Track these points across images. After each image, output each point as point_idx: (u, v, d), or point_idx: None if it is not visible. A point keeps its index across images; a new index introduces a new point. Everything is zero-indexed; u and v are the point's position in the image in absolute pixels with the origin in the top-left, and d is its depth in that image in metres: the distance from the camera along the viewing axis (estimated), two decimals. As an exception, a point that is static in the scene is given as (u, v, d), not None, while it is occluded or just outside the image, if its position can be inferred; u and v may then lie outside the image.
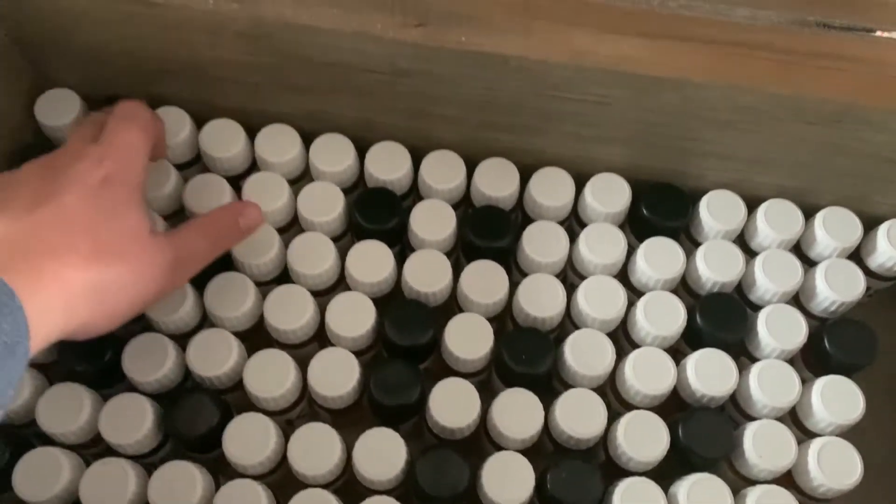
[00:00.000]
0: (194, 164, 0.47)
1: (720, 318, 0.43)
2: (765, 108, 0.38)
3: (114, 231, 0.35)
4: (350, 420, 0.42)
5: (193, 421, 0.39)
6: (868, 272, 0.45)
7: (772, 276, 0.43)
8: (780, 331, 0.42)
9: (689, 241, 0.46)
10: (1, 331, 0.28)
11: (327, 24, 0.36)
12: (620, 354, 0.43)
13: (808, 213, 0.45)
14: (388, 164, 0.45)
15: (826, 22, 0.34)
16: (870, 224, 0.45)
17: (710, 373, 0.41)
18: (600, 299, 0.43)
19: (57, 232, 0.33)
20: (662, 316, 0.42)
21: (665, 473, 0.40)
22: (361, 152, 0.46)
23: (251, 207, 0.41)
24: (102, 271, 0.33)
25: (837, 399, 0.41)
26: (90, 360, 0.41)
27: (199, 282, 0.42)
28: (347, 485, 0.40)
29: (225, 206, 0.42)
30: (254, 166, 0.47)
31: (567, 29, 0.35)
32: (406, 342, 0.41)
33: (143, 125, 0.38)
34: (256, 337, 0.43)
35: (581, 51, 0.35)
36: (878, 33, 0.34)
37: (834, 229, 0.44)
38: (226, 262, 0.43)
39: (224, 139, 0.45)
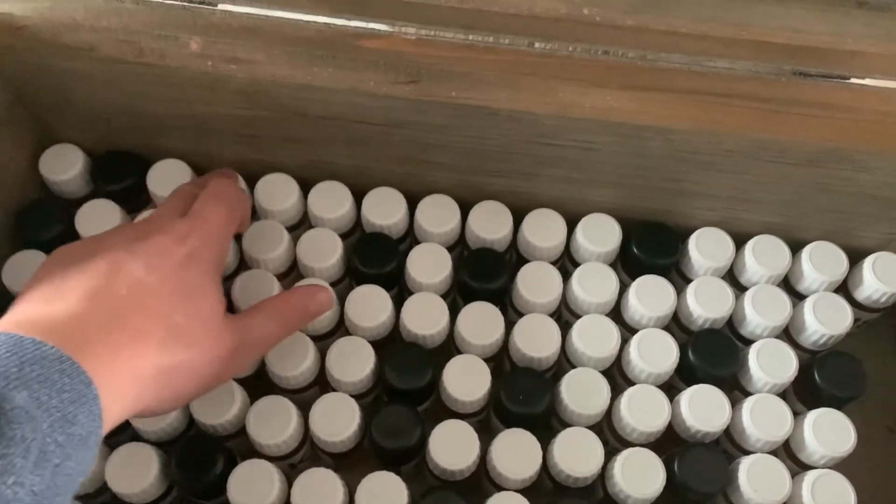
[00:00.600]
0: (195, 214, 0.48)
1: (712, 354, 0.43)
2: (747, 151, 0.39)
3: (190, 315, 0.34)
4: (352, 463, 0.43)
5: (198, 468, 0.40)
6: (856, 304, 0.46)
7: (761, 311, 0.44)
8: (770, 365, 0.43)
9: (681, 277, 0.47)
10: (77, 423, 0.28)
11: (322, 83, 0.38)
12: (616, 392, 0.44)
13: (795, 248, 0.46)
14: (385, 210, 0.47)
15: (802, 71, 0.36)
16: (856, 257, 0.46)
17: (703, 409, 0.42)
18: (594, 338, 0.44)
19: (135, 315, 0.33)
20: (655, 353, 0.43)
21: (663, 510, 0.41)
22: (358, 198, 0.47)
23: (322, 293, 0.41)
24: (174, 356, 0.33)
25: (829, 431, 0.42)
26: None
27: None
28: (351, 528, 0.41)
29: (296, 290, 0.42)
30: (254, 215, 0.48)
31: (553, 83, 0.36)
32: (405, 385, 0.42)
33: (231, 204, 0.39)
34: (258, 383, 0.44)
35: (567, 103, 0.37)
36: (853, 80, 0.36)
37: (820, 263, 0.45)
38: (227, 308, 0.44)
39: (224, 189, 0.46)
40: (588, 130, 0.40)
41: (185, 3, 0.37)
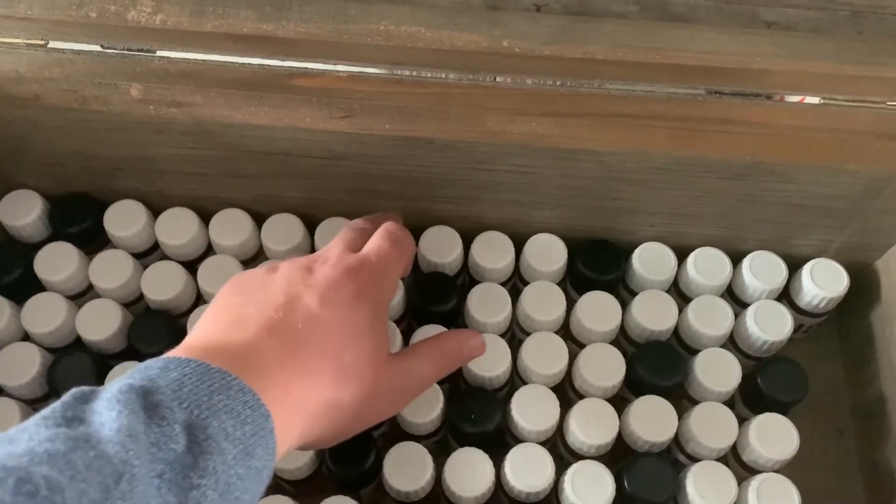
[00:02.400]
0: (152, 252, 0.49)
1: (657, 365, 0.45)
2: (676, 168, 0.41)
3: (358, 352, 0.34)
4: (311, 489, 0.44)
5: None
6: (798, 310, 0.48)
7: (704, 322, 0.45)
8: (715, 374, 0.44)
9: (627, 292, 0.49)
10: (255, 456, 0.28)
11: (260, 121, 0.39)
12: (569, 406, 0.45)
13: (737, 259, 0.47)
14: (337, 239, 0.48)
15: (717, 90, 0.37)
16: (796, 265, 0.47)
17: (650, 420, 0.43)
18: (544, 355, 0.45)
19: (309, 350, 0.33)
20: (603, 368, 0.44)
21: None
22: (312, 229, 0.48)
23: (476, 338, 0.41)
24: (341, 393, 0.34)
25: (773, 436, 0.43)
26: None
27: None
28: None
29: (452, 334, 0.42)
30: (210, 250, 0.49)
31: (481, 113, 0.38)
32: (360, 410, 0.43)
33: (402, 246, 0.39)
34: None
35: (496, 131, 0.38)
36: (766, 98, 0.37)
37: (760, 273, 0.47)
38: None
39: (179, 227, 0.48)
40: (522, 155, 0.41)
41: (125, 52, 0.39)
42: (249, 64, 0.39)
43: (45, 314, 0.45)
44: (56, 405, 0.27)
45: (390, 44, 0.36)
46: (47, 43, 0.39)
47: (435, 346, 0.40)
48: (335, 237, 0.40)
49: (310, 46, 0.37)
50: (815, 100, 0.38)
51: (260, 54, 0.38)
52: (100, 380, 0.43)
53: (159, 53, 0.39)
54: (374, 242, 0.38)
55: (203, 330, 0.34)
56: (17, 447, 0.24)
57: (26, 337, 0.46)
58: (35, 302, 0.46)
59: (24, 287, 0.46)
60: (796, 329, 0.48)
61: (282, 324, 0.33)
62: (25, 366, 0.44)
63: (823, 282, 0.46)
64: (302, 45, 0.37)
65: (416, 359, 0.39)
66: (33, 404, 0.45)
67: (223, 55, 0.38)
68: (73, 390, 0.28)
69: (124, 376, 0.29)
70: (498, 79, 0.38)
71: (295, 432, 0.32)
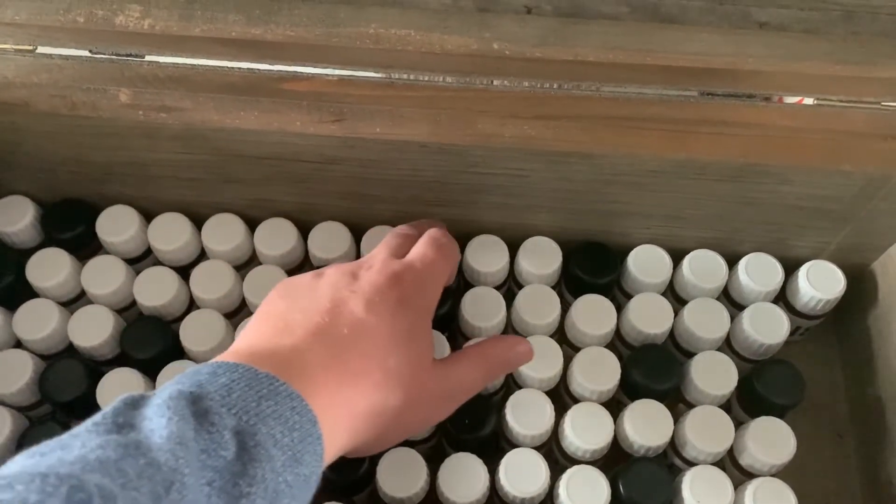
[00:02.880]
0: (145, 257, 0.49)
1: (653, 369, 0.44)
2: (670, 170, 0.41)
3: (403, 357, 0.34)
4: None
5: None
6: (795, 312, 0.47)
7: (700, 324, 0.45)
8: (711, 377, 0.44)
9: (623, 295, 0.48)
10: (303, 463, 0.28)
11: (250, 126, 0.39)
12: (564, 410, 0.44)
13: (733, 261, 0.47)
14: (331, 244, 0.48)
15: (710, 91, 0.37)
16: (792, 267, 0.47)
17: (645, 424, 0.43)
18: (538, 359, 0.44)
19: (355, 355, 0.33)
20: (598, 371, 0.44)
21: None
22: (305, 233, 0.48)
23: (523, 344, 0.41)
24: (386, 400, 0.33)
25: (770, 439, 0.42)
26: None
27: (150, 369, 0.44)
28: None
29: (499, 340, 0.42)
30: (203, 255, 0.49)
31: (472, 116, 0.38)
32: (353, 415, 0.43)
33: (447, 253, 0.39)
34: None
35: (487, 134, 0.38)
36: (759, 99, 0.37)
37: (756, 275, 0.46)
38: (176, 349, 0.45)
39: (171, 232, 0.47)
40: (515, 158, 0.41)
41: (114, 57, 0.39)
42: (239, 68, 0.39)
43: (37, 321, 0.45)
44: (107, 411, 0.27)
45: (380, 47, 0.36)
46: (35, 48, 0.39)
47: (480, 353, 0.40)
48: (380, 243, 0.40)
49: (299, 50, 0.36)
50: (808, 100, 0.38)
51: (249, 58, 0.38)
52: (92, 387, 0.43)
53: (148, 58, 0.39)
54: (419, 249, 0.38)
55: (250, 335, 0.34)
56: (70, 454, 0.24)
57: (18, 344, 0.45)
58: (27, 308, 0.45)
59: (16, 293, 0.46)
60: (793, 331, 0.48)
61: (328, 329, 0.33)
62: (17, 373, 0.44)
63: (820, 284, 0.46)
64: (291, 48, 0.36)
65: (461, 365, 0.38)
66: (25, 411, 0.44)
67: (212, 59, 0.38)
68: (124, 396, 0.28)
69: (172, 382, 0.29)
70: (488, 81, 0.38)
71: (341, 438, 0.32)
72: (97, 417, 0.27)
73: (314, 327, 0.33)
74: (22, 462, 0.24)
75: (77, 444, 0.25)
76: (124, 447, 0.25)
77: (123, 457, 0.24)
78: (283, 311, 0.34)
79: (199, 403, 0.27)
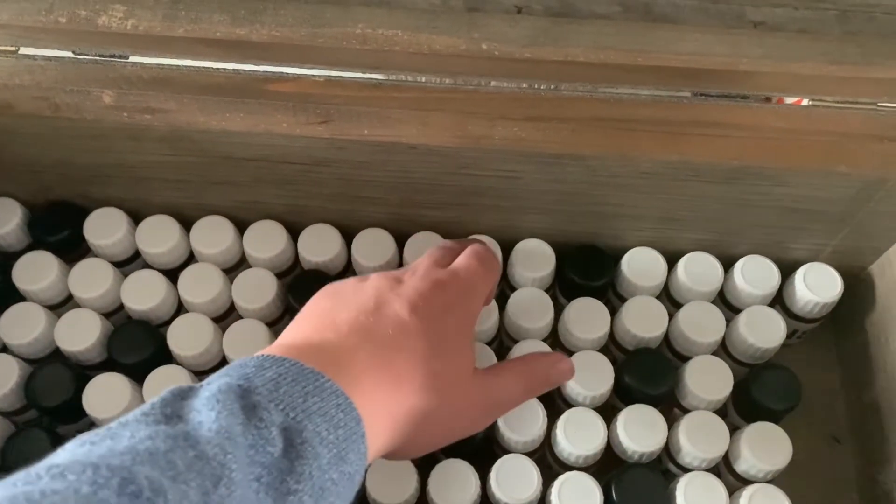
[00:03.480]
0: (133, 261, 0.48)
1: (646, 374, 0.44)
2: (663, 172, 0.40)
3: (445, 364, 0.34)
4: None
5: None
6: (792, 315, 0.47)
7: (695, 328, 0.44)
8: (706, 381, 0.43)
9: (617, 298, 0.48)
10: (347, 461, 0.28)
11: (236, 127, 0.38)
12: (557, 415, 0.44)
13: (729, 264, 0.46)
14: (321, 247, 0.47)
15: (703, 92, 0.36)
16: (789, 269, 0.46)
17: (638, 430, 0.42)
18: (530, 364, 0.44)
19: (399, 356, 0.33)
20: (591, 376, 0.44)
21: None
22: (295, 236, 0.48)
23: (565, 362, 0.41)
24: (427, 403, 0.33)
25: (765, 445, 0.42)
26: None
27: (137, 374, 0.43)
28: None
29: (542, 356, 0.42)
30: (192, 258, 0.48)
31: (461, 117, 0.37)
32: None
33: (490, 268, 0.39)
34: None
35: (476, 136, 0.37)
36: (753, 100, 0.36)
37: (752, 277, 0.46)
38: (164, 353, 0.44)
39: (159, 235, 0.47)
40: (506, 160, 0.40)
41: (97, 58, 0.38)
42: (224, 69, 0.38)
43: (24, 325, 0.45)
44: (155, 401, 0.27)
45: (367, 47, 0.35)
46: (18, 49, 0.38)
47: (523, 367, 0.40)
48: (424, 254, 0.40)
49: (285, 51, 0.36)
50: (803, 101, 0.37)
51: (234, 59, 0.37)
52: (78, 392, 0.42)
53: (132, 59, 0.38)
54: (463, 260, 0.38)
55: (294, 331, 0.34)
56: (119, 444, 0.24)
57: (4, 348, 0.45)
58: (13, 312, 0.45)
59: (3, 297, 0.46)
60: (790, 335, 0.47)
61: (373, 328, 0.33)
62: (3, 377, 0.43)
63: (817, 287, 0.45)
64: (277, 49, 0.36)
65: (503, 377, 0.38)
66: (11, 417, 0.44)
67: (197, 60, 0.37)
68: (172, 387, 0.28)
69: (219, 374, 0.29)
70: (477, 82, 0.37)
71: (382, 438, 0.32)
72: (146, 407, 0.27)
73: (359, 326, 0.33)
74: (73, 450, 0.24)
75: (126, 433, 0.25)
76: (174, 439, 0.25)
77: (173, 448, 0.24)
78: (328, 310, 0.35)
79: (248, 398, 0.27)
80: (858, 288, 0.48)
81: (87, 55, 0.38)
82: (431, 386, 0.33)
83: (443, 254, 0.40)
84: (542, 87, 0.37)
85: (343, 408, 0.29)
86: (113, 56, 0.38)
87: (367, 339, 0.33)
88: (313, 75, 0.38)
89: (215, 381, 0.28)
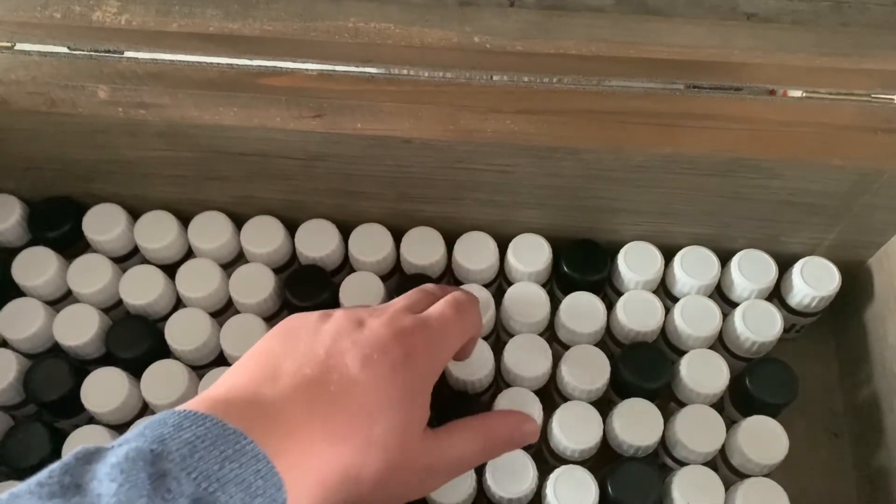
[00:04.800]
0: (132, 256, 0.48)
1: (642, 368, 0.44)
2: (657, 165, 0.40)
3: (391, 423, 0.32)
4: None
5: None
6: (789, 309, 0.46)
7: (691, 322, 0.44)
8: (702, 375, 0.43)
9: (614, 292, 0.48)
10: None
11: (230, 122, 0.38)
12: (553, 409, 0.44)
13: (726, 257, 0.46)
14: (318, 242, 0.47)
15: (696, 84, 0.36)
16: (786, 263, 0.46)
17: (634, 423, 0.42)
18: (525, 357, 0.44)
19: (339, 415, 0.31)
20: (587, 370, 0.44)
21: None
22: (292, 231, 0.48)
23: (531, 424, 0.39)
24: (362, 466, 0.31)
25: (761, 439, 0.42)
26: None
27: (136, 369, 0.43)
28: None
29: (503, 416, 0.40)
30: (190, 253, 0.48)
31: (453, 111, 0.37)
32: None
33: (466, 320, 0.37)
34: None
35: (469, 129, 0.37)
36: (746, 92, 0.36)
37: (749, 271, 0.45)
38: (162, 348, 0.45)
39: (158, 230, 0.47)
40: (499, 154, 0.40)
41: (92, 53, 0.38)
42: (217, 63, 0.38)
43: (23, 320, 0.45)
44: (55, 467, 0.25)
45: (359, 41, 0.35)
46: (14, 45, 0.39)
47: (481, 427, 0.37)
48: (401, 295, 0.38)
49: (278, 45, 0.36)
50: (797, 93, 0.37)
51: (227, 54, 0.37)
52: (77, 386, 0.43)
53: (126, 54, 0.38)
54: (438, 307, 0.36)
55: (236, 375, 0.32)
56: None
57: (3, 343, 0.45)
58: (12, 307, 0.45)
59: (2, 292, 0.46)
60: (788, 329, 0.47)
61: (316, 382, 0.31)
62: (2, 372, 0.43)
63: (814, 281, 0.45)
64: (270, 43, 0.36)
65: (458, 437, 0.36)
66: (10, 411, 0.44)
67: (190, 55, 0.38)
68: (78, 449, 0.26)
69: (135, 433, 0.27)
70: (469, 76, 0.37)
71: (308, 500, 0.30)
72: (43, 475, 0.25)
73: (302, 378, 0.31)
74: None
75: None
76: None
77: None
78: (276, 355, 0.33)
79: (158, 464, 0.26)
80: (856, 282, 0.48)
81: (82, 50, 0.38)
82: (370, 449, 0.31)
83: (419, 298, 0.37)
84: (533, 81, 0.37)
85: (263, 474, 0.27)
86: (107, 51, 0.38)
87: (307, 393, 0.31)
88: (306, 69, 0.38)
89: (126, 444, 0.26)
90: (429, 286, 0.40)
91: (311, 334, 0.33)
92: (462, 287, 0.41)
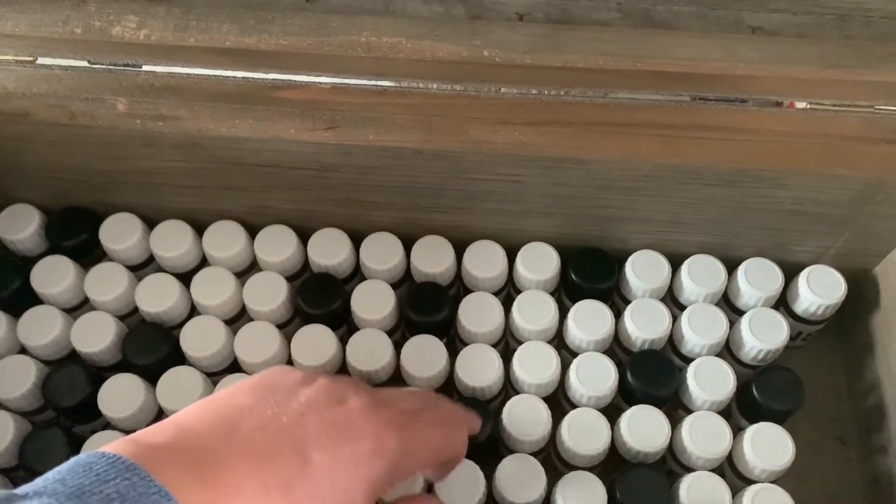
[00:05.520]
0: (147, 265, 0.49)
1: (650, 375, 0.44)
2: (664, 175, 0.40)
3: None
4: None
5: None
6: (796, 318, 0.47)
7: (698, 330, 0.45)
8: (708, 383, 0.44)
9: (621, 300, 0.48)
10: None
11: (245, 134, 0.39)
12: (562, 416, 0.44)
13: (733, 265, 0.47)
14: (330, 250, 0.48)
15: (701, 96, 0.37)
16: (793, 271, 0.47)
17: (642, 430, 0.43)
18: (534, 364, 0.45)
19: (279, 493, 0.29)
20: (594, 377, 0.44)
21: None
22: (304, 240, 0.49)
23: None
24: None
25: (768, 446, 0.42)
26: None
27: (151, 375, 0.44)
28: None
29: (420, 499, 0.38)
30: (204, 262, 0.49)
31: (463, 122, 0.38)
32: (351, 421, 0.43)
33: (453, 440, 0.35)
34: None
35: (479, 140, 0.38)
36: (751, 104, 0.37)
37: (756, 280, 0.46)
38: (177, 355, 0.45)
39: (173, 239, 0.48)
40: (508, 164, 0.41)
41: (111, 67, 0.39)
42: (233, 77, 0.39)
43: (41, 327, 0.46)
44: None
45: (372, 55, 0.36)
46: (35, 59, 0.40)
47: None
48: (401, 389, 0.36)
49: (292, 59, 0.37)
50: (801, 105, 0.38)
51: (243, 67, 0.38)
52: (94, 392, 0.44)
53: (145, 68, 0.39)
54: (429, 413, 0.34)
55: (192, 419, 0.31)
56: None
57: (22, 350, 0.46)
58: (31, 315, 0.46)
59: (21, 300, 0.47)
60: (794, 337, 0.48)
61: (267, 452, 0.30)
62: (21, 378, 0.44)
63: (820, 289, 0.45)
64: (284, 57, 0.37)
65: None
66: (28, 416, 0.45)
67: (207, 69, 0.39)
68: None
69: (56, 476, 0.26)
70: (479, 88, 0.38)
71: None
72: None
73: (256, 443, 0.30)
74: None
75: None
76: None
77: None
78: (240, 408, 0.31)
79: None
80: (862, 290, 0.48)
81: (102, 64, 0.39)
82: None
83: (418, 401, 0.35)
84: (541, 93, 0.38)
85: None
86: (126, 65, 0.39)
87: (255, 458, 0.29)
88: (320, 82, 0.39)
89: (39, 498, 0.25)
90: (431, 393, 0.37)
91: (285, 396, 0.32)
92: (469, 409, 0.39)
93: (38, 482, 0.27)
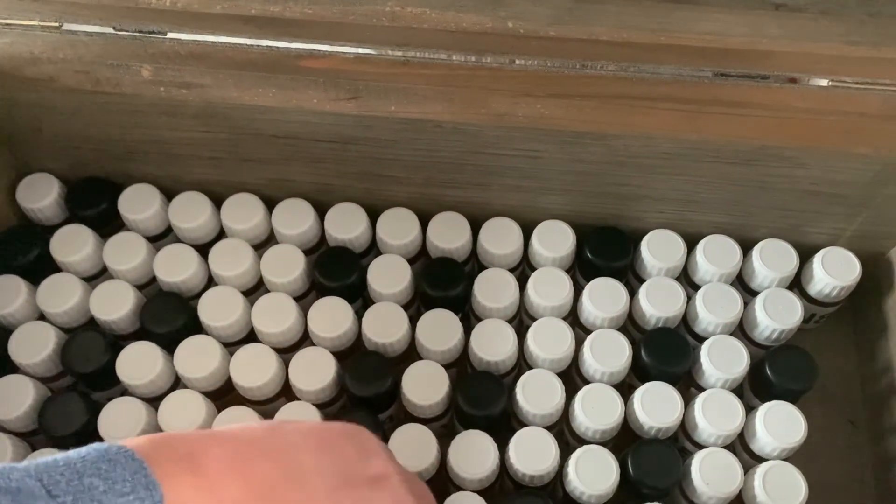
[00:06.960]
0: (165, 235, 0.50)
1: (664, 353, 0.44)
2: (683, 153, 0.41)
3: None
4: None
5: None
6: (809, 299, 0.47)
7: (712, 309, 0.45)
8: (722, 361, 0.44)
9: (636, 279, 0.49)
10: None
11: (268, 103, 0.39)
12: (575, 392, 0.45)
13: (748, 246, 0.47)
14: (347, 225, 0.48)
15: (723, 72, 0.37)
16: (807, 253, 0.47)
17: (655, 405, 0.43)
18: (548, 340, 0.45)
19: None
20: (608, 353, 0.44)
21: (620, 504, 0.42)
22: (322, 214, 0.49)
23: None
24: None
25: (780, 424, 0.42)
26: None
27: (168, 343, 0.44)
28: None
29: None
30: (222, 234, 0.50)
31: (486, 94, 0.38)
32: (366, 392, 0.44)
33: None
34: (225, 395, 0.45)
35: (500, 113, 0.38)
36: (773, 80, 0.37)
37: (770, 261, 0.46)
38: (194, 324, 0.46)
39: (191, 211, 0.48)
40: (528, 139, 0.41)
41: (136, 33, 0.40)
42: (258, 45, 0.39)
43: (60, 294, 0.46)
44: None
45: (396, 25, 0.36)
46: (62, 25, 0.40)
47: None
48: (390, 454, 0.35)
49: (316, 28, 0.37)
50: (823, 82, 0.38)
51: (268, 36, 0.38)
52: (112, 360, 0.44)
53: (170, 35, 0.39)
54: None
55: (248, 470, 0.30)
56: None
57: (41, 316, 0.47)
58: (50, 282, 0.47)
59: (41, 268, 0.47)
60: (808, 319, 0.48)
61: None
62: (40, 344, 0.45)
63: (835, 271, 0.46)
64: (309, 26, 0.37)
65: None
66: (47, 382, 0.46)
67: (232, 37, 0.39)
68: None
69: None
70: (502, 60, 0.38)
71: None
72: None
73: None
74: None
75: None
76: None
77: None
78: (262, 478, 0.30)
79: None
80: (877, 272, 0.48)
81: (127, 31, 0.40)
82: None
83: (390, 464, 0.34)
84: (564, 66, 0.38)
85: None
86: (152, 32, 0.40)
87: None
88: (343, 52, 0.39)
89: None
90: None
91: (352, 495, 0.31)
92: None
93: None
